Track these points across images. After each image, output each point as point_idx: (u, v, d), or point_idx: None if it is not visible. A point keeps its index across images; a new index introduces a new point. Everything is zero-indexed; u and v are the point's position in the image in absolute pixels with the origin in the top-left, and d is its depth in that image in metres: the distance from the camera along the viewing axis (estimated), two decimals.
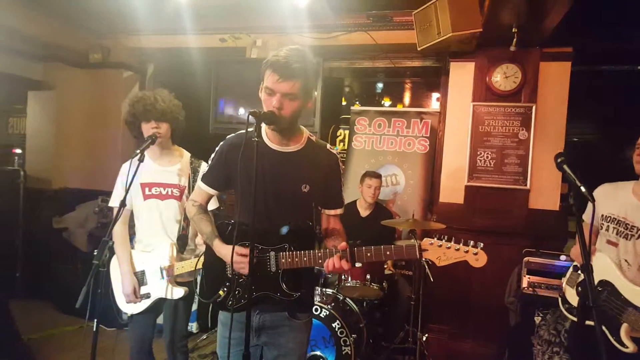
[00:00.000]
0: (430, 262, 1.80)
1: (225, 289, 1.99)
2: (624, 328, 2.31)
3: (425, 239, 1.77)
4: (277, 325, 2.01)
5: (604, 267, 2.51)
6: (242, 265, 1.87)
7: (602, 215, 2.62)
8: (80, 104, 5.58)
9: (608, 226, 2.58)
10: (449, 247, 1.74)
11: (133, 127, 2.67)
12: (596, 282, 2.51)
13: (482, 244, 1.74)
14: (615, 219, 2.54)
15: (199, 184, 2.14)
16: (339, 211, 2.10)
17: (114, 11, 4.63)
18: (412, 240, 3.55)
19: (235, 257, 1.85)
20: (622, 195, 2.55)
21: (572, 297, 2.68)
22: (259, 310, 1.98)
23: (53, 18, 4.93)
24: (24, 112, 5.96)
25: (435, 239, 1.76)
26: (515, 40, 3.88)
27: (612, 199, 2.58)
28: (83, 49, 5.38)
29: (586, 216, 2.60)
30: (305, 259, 1.87)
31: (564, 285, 2.79)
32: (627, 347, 2.28)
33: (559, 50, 4.17)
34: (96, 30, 5.34)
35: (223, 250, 1.96)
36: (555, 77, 4.20)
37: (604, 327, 2.33)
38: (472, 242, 1.75)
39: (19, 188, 5.31)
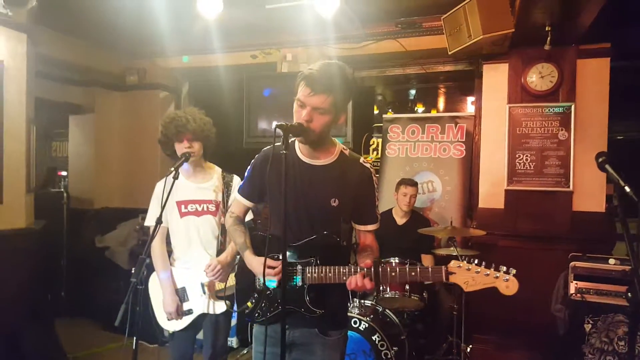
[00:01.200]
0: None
1: (253, 300, 1.99)
2: None
3: (452, 261, 1.70)
4: (308, 342, 1.97)
5: None
6: (270, 276, 1.87)
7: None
8: (119, 125, 5.76)
9: None
10: (478, 272, 1.65)
11: (166, 146, 2.74)
12: None
13: (514, 271, 1.65)
14: None
15: (236, 195, 2.17)
16: (371, 227, 2.03)
17: (148, 34, 4.79)
18: (452, 249, 3.47)
19: (260, 269, 1.85)
20: None
21: None
22: (288, 325, 1.92)
23: (89, 43, 5.13)
24: (65, 136, 6.21)
25: (465, 261, 1.69)
26: (549, 38, 3.79)
27: None
28: (119, 72, 5.58)
29: None
30: (330, 274, 1.84)
31: None
32: None
33: (596, 47, 4.04)
34: (131, 53, 5.53)
35: (253, 262, 1.96)
36: (594, 74, 4.06)
37: None
38: (504, 268, 1.65)
39: (63, 209, 5.50)
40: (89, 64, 5.23)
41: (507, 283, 1.63)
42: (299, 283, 1.89)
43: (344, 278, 1.81)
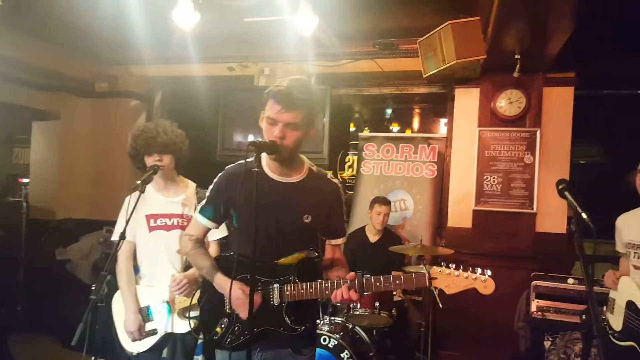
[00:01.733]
0: (439, 290, 1.82)
1: (223, 325, 1.92)
2: None
3: (434, 266, 1.78)
4: None
5: (630, 290, 2.63)
6: (244, 304, 1.79)
7: (626, 243, 2.75)
8: (86, 133, 5.59)
9: (631, 252, 2.72)
10: (457, 275, 1.75)
11: (136, 159, 2.65)
12: (623, 303, 2.64)
13: (489, 272, 1.75)
14: (636, 244, 2.67)
15: (196, 216, 2.06)
16: (340, 241, 2.08)
17: (121, 40, 4.68)
18: (421, 266, 3.54)
19: (238, 294, 1.82)
20: (637, 221, 2.71)
21: (614, 322, 2.76)
22: (260, 347, 1.90)
23: (58, 47, 4.95)
24: (28, 142, 5.97)
25: (444, 266, 1.77)
26: (518, 66, 3.94)
27: (630, 226, 2.73)
28: (89, 78, 5.41)
29: (617, 247, 2.86)
30: (311, 290, 1.82)
31: (606, 313, 2.86)
32: None
33: (562, 76, 4.25)
34: (103, 59, 5.39)
35: (226, 286, 1.85)
36: (559, 101, 4.27)
37: (634, 344, 2.51)
38: (480, 270, 1.75)
39: (22, 219, 5.24)
40: (56, 68, 5.04)
41: (484, 283, 1.74)
42: (277, 302, 1.86)
43: (327, 292, 1.80)
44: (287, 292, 1.86)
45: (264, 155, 1.88)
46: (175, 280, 2.53)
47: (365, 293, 1.80)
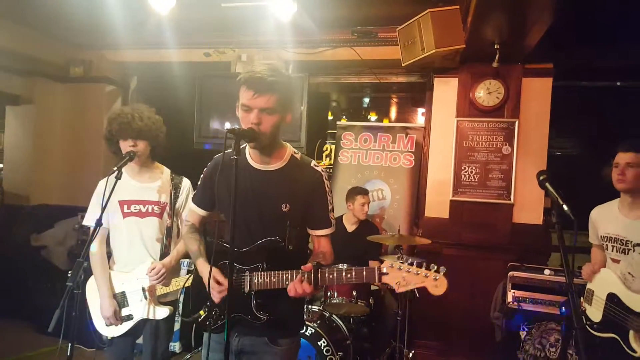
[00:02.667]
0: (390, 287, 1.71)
1: (206, 309, 1.96)
2: (631, 334, 2.46)
3: (385, 261, 1.68)
4: (257, 350, 1.94)
5: (609, 281, 2.69)
6: (216, 292, 1.86)
7: (601, 236, 2.80)
8: (61, 118, 5.49)
9: (607, 245, 2.76)
10: (409, 272, 1.63)
11: (111, 143, 2.62)
12: (604, 295, 2.69)
13: (444, 269, 1.62)
14: (612, 237, 2.72)
15: (189, 204, 2.15)
16: (325, 231, 2.00)
17: (96, 24, 4.58)
18: (398, 256, 3.55)
19: (212, 282, 1.84)
20: (612, 214, 2.74)
21: (592, 314, 2.80)
22: (237, 333, 1.92)
23: (32, 31, 4.85)
24: (2, 127, 5.84)
25: (398, 261, 1.67)
26: (497, 56, 3.93)
27: (605, 220, 2.78)
28: (63, 62, 5.31)
29: (591, 238, 2.90)
30: (274, 280, 1.81)
31: (583, 303, 2.90)
32: (636, 352, 2.43)
33: (540, 67, 4.25)
34: (77, 43, 5.28)
35: (204, 271, 1.93)
36: (537, 92, 4.27)
37: (615, 335, 2.57)
38: (434, 267, 1.62)
39: None
40: (30, 52, 4.93)
41: (435, 282, 1.60)
42: (247, 289, 1.86)
43: (287, 283, 1.78)
44: (255, 280, 1.85)
45: (247, 144, 1.88)
46: (155, 269, 2.53)
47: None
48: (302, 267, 1.77)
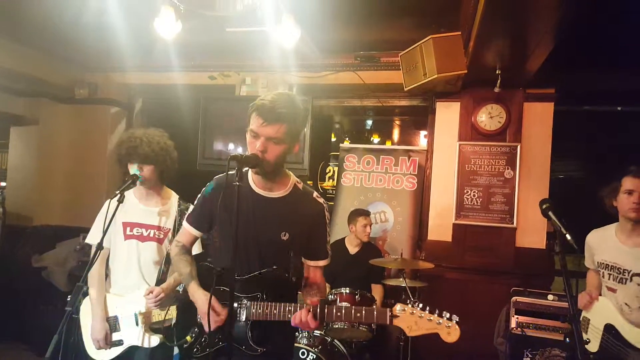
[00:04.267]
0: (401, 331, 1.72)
1: (193, 335, 1.92)
2: None
3: (397, 304, 1.70)
4: None
5: (607, 310, 2.59)
6: (211, 320, 1.78)
7: (598, 262, 2.71)
8: (65, 139, 5.51)
9: (603, 272, 2.66)
10: (421, 317, 1.66)
11: (121, 165, 2.64)
12: (601, 325, 2.60)
13: (457, 318, 1.66)
14: (609, 265, 2.62)
15: (184, 224, 2.10)
16: (321, 263, 2.01)
17: (102, 47, 4.64)
18: (401, 280, 3.51)
19: (204, 306, 1.79)
20: (609, 240, 2.65)
21: (588, 344, 2.71)
22: None
23: (38, 52, 4.90)
24: (6, 147, 5.87)
25: (410, 305, 1.69)
26: (499, 81, 3.97)
27: (602, 246, 2.68)
28: (68, 84, 5.35)
29: (587, 263, 2.81)
30: (275, 311, 1.80)
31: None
32: None
33: (542, 92, 4.28)
34: (83, 65, 5.34)
35: (196, 295, 1.88)
36: (539, 117, 4.29)
37: None
38: (447, 315, 1.67)
39: None
40: (35, 74, 4.97)
41: (449, 330, 1.64)
42: (243, 318, 1.84)
43: (289, 315, 1.77)
44: (253, 310, 1.83)
45: (250, 169, 1.88)
46: (153, 293, 2.50)
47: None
48: (309, 301, 1.78)
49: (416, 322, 1.66)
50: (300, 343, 3.33)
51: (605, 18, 3.26)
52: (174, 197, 2.77)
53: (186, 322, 1.97)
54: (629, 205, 2.50)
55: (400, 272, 3.82)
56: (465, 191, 4.40)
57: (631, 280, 2.50)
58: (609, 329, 2.54)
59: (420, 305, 1.70)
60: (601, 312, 2.65)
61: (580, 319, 2.83)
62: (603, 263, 2.67)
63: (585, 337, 2.75)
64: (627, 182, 2.52)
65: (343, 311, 1.74)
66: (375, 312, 1.72)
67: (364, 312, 1.72)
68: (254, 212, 1.89)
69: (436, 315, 1.66)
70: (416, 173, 4.84)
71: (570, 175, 6.18)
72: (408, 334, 1.67)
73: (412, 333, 1.66)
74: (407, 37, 3.94)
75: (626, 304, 2.52)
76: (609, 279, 2.64)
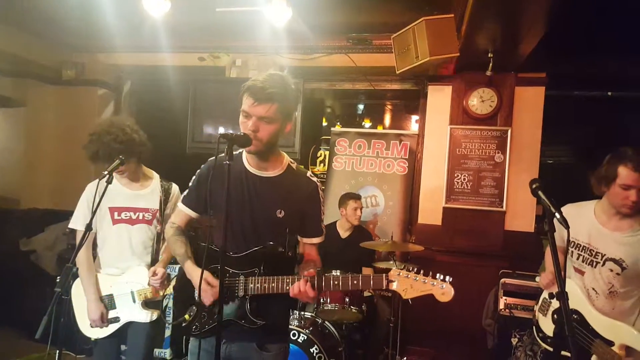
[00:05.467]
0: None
1: (191, 313, 1.94)
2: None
3: (392, 269, 1.75)
4: (246, 357, 1.94)
5: (572, 295, 2.30)
6: (208, 294, 1.85)
7: (570, 241, 2.46)
8: (52, 121, 5.43)
9: (572, 252, 2.48)
10: (416, 280, 1.71)
11: (95, 161, 2.57)
12: None
13: (450, 278, 1.71)
14: (580, 244, 2.46)
15: (179, 205, 2.11)
16: (316, 240, 2.04)
17: (89, 27, 4.55)
18: (391, 262, 3.54)
19: (203, 284, 1.82)
20: (585, 217, 2.44)
21: (545, 325, 2.60)
22: (226, 339, 1.90)
23: (24, 33, 4.80)
24: None
25: (404, 269, 1.75)
26: (491, 65, 3.98)
27: (577, 223, 2.41)
28: (56, 65, 5.26)
29: (556, 236, 2.53)
30: (273, 285, 1.83)
31: (536, 313, 2.72)
32: None
33: (533, 76, 4.30)
34: (70, 46, 5.24)
35: (193, 274, 1.93)
36: (530, 101, 4.31)
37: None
38: (440, 276, 1.72)
39: None
40: (22, 54, 4.87)
41: (442, 290, 1.70)
42: (241, 293, 1.86)
43: (287, 288, 1.80)
44: (251, 285, 1.86)
45: (244, 149, 1.89)
46: (158, 274, 2.53)
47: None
48: (306, 272, 1.80)
49: (411, 284, 1.71)
50: (291, 324, 3.35)
51: (598, 3, 3.25)
52: (156, 177, 2.77)
53: (184, 301, 1.99)
54: (624, 201, 2.26)
55: (390, 255, 3.84)
56: (455, 175, 4.43)
57: (603, 264, 2.35)
58: (573, 314, 2.36)
59: (415, 269, 1.75)
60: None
61: (540, 301, 2.70)
62: (574, 242, 2.46)
63: (543, 319, 2.62)
64: (625, 175, 2.22)
65: (340, 279, 1.78)
66: (372, 278, 1.76)
67: (360, 278, 1.77)
68: (249, 191, 1.91)
69: (430, 277, 1.72)
70: (407, 157, 4.85)
71: (559, 161, 6.24)
72: (404, 296, 1.72)
73: (407, 295, 1.72)
74: (399, 19, 3.91)
75: (594, 289, 2.39)
76: (577, 260, 2.46)
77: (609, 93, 4.60)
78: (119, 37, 4.61)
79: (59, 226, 4.92)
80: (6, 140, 5.51)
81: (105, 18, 4.11)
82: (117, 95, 5.56)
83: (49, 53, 5.18)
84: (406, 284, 1.72)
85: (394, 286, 1.73)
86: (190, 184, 2.07)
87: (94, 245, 2.69)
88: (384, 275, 1.74)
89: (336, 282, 1.78)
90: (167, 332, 4.12)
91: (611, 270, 2.35)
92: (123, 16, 4.11)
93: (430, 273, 1.73)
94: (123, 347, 2.72)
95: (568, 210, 2.46)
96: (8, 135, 5.50)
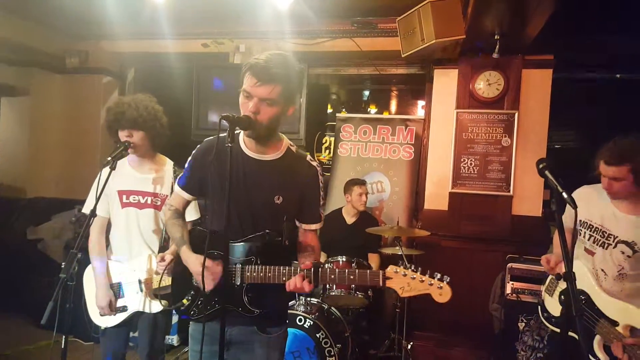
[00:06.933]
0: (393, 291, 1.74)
1: (189, 297, 1.92)
2: (596, 340, 2.28)
3: (390, 266, 1.72)
4: (247, 340, 1.92)
5: (580, 276, 2.33)
6: (208, 280, 1.80)
7: (579, 221, 2.52)
8: (57, 109, 5.44)
9: (584, 232, 2.50)
10: (413, 278, 1.68)
11: (111, 133, 2.60)
12: None
13: (448, 278, 1.69)
14: (592, 225, 2.47)
15: (175, 187, 2.08)
16: (314, 226, 2.01)
17: (92, 14, 4.53)
18: (397, 248, 3.52)
19: (198, 268, 1.78)
20: (600, 199, 2.45)
21: (551, 306, 2.61)
22: (226, 323, 1.87)
23: (27, 21, 4.79)
24: None
25: (402, 267, 1.70)
26: (497, 47, 3.91)
27: (590, 204, 2.47)
28: (60, 53, 5.26)
29: (565, 218, 2.44)
30: (269, 274, 1.80)
31: (542, 293, 2.73)
32: (598, 359, 2.24)
33: (540, 58, 4.23)
34: (74, 34, 5.23)
35: (189, 259, 1.87)
36: (537, 84, 4.25)
37: (576, 336, 2.25)
38: (438, 275, 1.69)
39: None
40: (25, 42, 4.87)
41: (440, 290, 1.67)
42: (238, 282, 1.84)
43: (284, 279, 1.78)
44: (248, 274, 1.83)
45: (242, 131, 1.83)
46: (165, 260, 2.47)
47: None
48: (302, 265, 1.77)
49: (408, 283, 1.68)
50: (297, 310, 3.36)
51: None
52: (169, 164, 2.74)
53: (181, 286, 1.96)
54: (604, 186, 2.34)
55: (396, 241, 3.83)
56: (462, 160, 4.39)
57: (615, 246, 2.35)
58: (580, 294, 2.41)
59: (413, 266, 1.71)
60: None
61: (547, 281, 2.71)
62: (587, 222, 2.49)
63: (549, 299, 2.63)
64: (600, 166, 2.33)
65: (337, 273, 1.75)
66: (368, 274, 1.73)
67: (357, 273, 1.73)
68: (245, 175, 1.85)
69: (427, 276, 1.68)
70: (413, 142, 4.81)
71: (567, 145, 6.16)
72: (401, 295, 1.69)
73: (404, 294, 1.69)
74: (404, 2, 3.86)
75: (602, 269, 2.41)
76: (589, 240, 2.48)
77: (618, 75, 4.53)
78: (122, 25, 4.60)
79: (65, 214, 4.95)
80: (11, 129, 5.52)
81: (107, 5, 4.09)
82: (122, 82, 5.56)
83: (53, 41, 5.17)
84: (403, 282, 1.69)
85: (391, 284, 1.70)
86: (186, 165, 2.01)
87: (107, 229, 2.68)
88: (380, 272, 1.71)
89: (332, 276, 1.75)
90: (175, 319, 4.14)
91: (622, 253, 2.34)
92: (126, 3, 4.09)
93: (428, 272, 1.70)
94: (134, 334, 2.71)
95: (585, 190, 2.53)
96: (13, 124, 5.51)
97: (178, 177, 2.07)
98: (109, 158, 2.36)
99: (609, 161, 2.27)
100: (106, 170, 2.36)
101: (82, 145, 5.32)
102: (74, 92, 5.40)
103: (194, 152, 1.99)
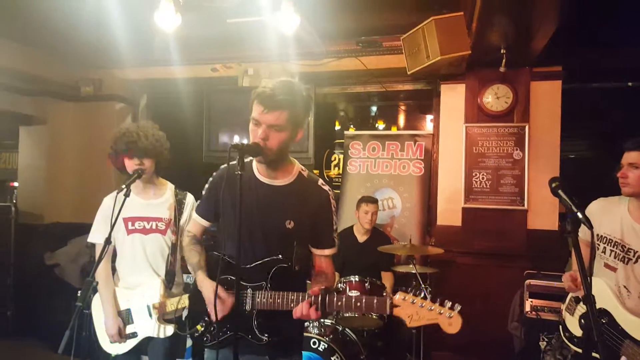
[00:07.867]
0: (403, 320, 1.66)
1: (203, 323, 1.93)
2: None
3: (398, 293, 1.65)
4: None
5: (601, 294, 2.33)
6: (218, 308, 1.79)
7: (597, 235, 2.44)
8: (73, 137, 5.56)
9: (605, 248, 2.41)
10: (422, 306, 1.60)
11: (116, 160, 2.64)
12: None
13: (459, 307, 1.59)
14: (612, 240, 2.38)
15: (193, 214, 2.14)
16: (328, 251, 1.99)
17: (104, 44, 4.64)
18: (411, 266, 3.47)
19: (210, 295, 1.81)
20: (618, 213, 2.38)
21: (573, 326, 2.53)
22: (239, 351, 1.86)
23: (42, 52, 4.93)
24: (16, 147, 5.93)
25: (411, 294, 1.63)
26: (504, 61, 3.89)
27: (607, 217, 2.40)
28: (74, 82, 5.39)
29: (581, 233, 2.37)
30: (279, 300, 1.79)
31: (563, 312, 2.66)
32: None
33: (548, 70, 4.20)
34: (87, 63, 5.36)
35: (203, 285, 1.89)
36: (547, 96, 4.21)
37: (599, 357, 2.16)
38: (449, 304, 1.59)
39: (10, 224, 5.22)
40: (41, 73, 5.02)
41: (450, 320, 1.58)
42: (248, 307, 1.84)
43: (292, 305, 1.76)
44: (258, 300, 1.83)
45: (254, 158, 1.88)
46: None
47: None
48: (310, 291, 1.76)
49: (417, 311, 1.60)
50: (311, 332, 3.32)
51: None
52: (170, 187, 2.79)
53: (197, 311, 1.98)
54: (620, 181, 2.30)
55: (409, 259, 3.78)
56: (473, 174, 4.34)
57: (636, 261, 2.26)
58: (602, 314, 2.31)
59: (423, 293, 1.64)
60: (595, 295, 2.44)
61: (567, 300, 2.63)
62: (606, 237, 2.39)
63: (570, 318, 2.54)
64: (623, 157, 2.33)
65: (344, 301, 1.72)
66: (375, 302, 1.68)
67: (364, 301, 1.68)
68: (258, 201, 1.88)
69: (437, 304, 1.60)
70: (423, 158, 4.79)
71: (581, 155, 6.07)
72: (408, 324, 1.61)
73: (412, 324, 1.60)
74: (408, 20, 3.88)
75: (625, 286, 2.30)
76: (609, 256, 2.38)
77: (630, 84, 4.46)
78: (133, 53, 4.70)
79: (81, 239, 5.00)
80: (30, 157, 5.65)
81: (119, 34, 4.18)
82: (135, 109, 5.67)
83: (67, 70, 5.31)
84: (412, 310, 1.60)
85: (399, 312, 1.62)
86: (203, 192, 2.08)
87: (113, 258, 2.71)
88: (387, 299, 1.65)
89: (339, 304, 1.73)
90: (189, 343, 4.14)
91: None
92: (136, 31, 4.18)
93: (438, 300, 1.61)
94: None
95: (600, 204, 2.47)
96: (31, 152, 5.64)
97: (196, 205, 2.14)
98: (124, 186, 2.38)
99: (630, 147, 2.28)
100: (121, 197, 2.38)
101: (97, 170, 5.41)
102: (89, 119, 5.52)
103: (210, 179, 2.06)
